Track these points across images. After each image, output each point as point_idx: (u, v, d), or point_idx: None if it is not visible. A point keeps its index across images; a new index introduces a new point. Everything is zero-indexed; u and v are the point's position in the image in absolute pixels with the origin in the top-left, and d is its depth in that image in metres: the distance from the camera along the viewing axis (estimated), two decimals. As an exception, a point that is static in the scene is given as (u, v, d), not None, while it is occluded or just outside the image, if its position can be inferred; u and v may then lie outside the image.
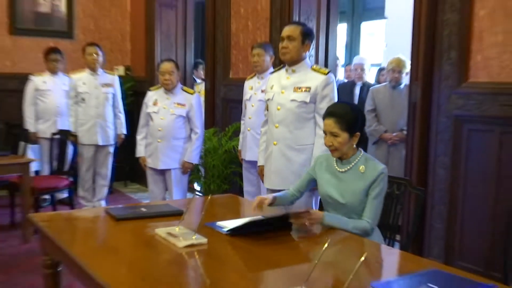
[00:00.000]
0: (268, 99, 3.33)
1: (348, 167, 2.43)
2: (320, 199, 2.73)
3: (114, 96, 5.29)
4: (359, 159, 2.43)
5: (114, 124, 5.29)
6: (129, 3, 6.97)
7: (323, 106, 3.06)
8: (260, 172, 3.48)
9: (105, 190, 5.41)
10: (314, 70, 3.20)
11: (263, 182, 3.46)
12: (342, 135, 2.37)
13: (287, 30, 3.17)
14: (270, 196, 2.58)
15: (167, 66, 4.18)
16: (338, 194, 2.43)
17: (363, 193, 2.38)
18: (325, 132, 2.43)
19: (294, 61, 3.19)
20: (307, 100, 3.12)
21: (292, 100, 3.15)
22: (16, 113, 5.98)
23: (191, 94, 4.26)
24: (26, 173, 4.25)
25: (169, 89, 4.21)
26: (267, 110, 3.36)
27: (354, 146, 2.43)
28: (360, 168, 2.40)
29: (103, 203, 5.37)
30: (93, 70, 5.15)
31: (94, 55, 5.12)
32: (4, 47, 6.23)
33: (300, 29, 3.15)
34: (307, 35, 3.17)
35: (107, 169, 5.36)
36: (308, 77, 3.16)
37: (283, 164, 3.21)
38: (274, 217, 2.30)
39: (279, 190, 3.22)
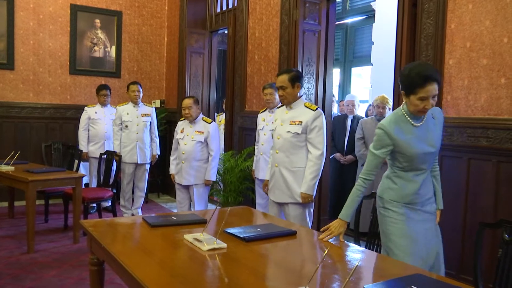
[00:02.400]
0: (272, 130, 3.35)
1: (424, 120, 2.24)
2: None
3: (151, 123, 5.30)
4: None
5: (150, 146, 5.29)
6: (166, 50, 7.04)
7: (312, 136, 3.09)
8: (265, 186, 3.46)
9: (141, 200, 5.37)
10: (306, 106, 3.18)
11: (267, 194, 3.44)
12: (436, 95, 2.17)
13: (278, 81, 3.16)
14: (344, 226, 2.27)
15: (186, 102, 4.17)
16: (429, 146, 2.24)
17: (440, 135, 2.27)
18: (424, 97, 2.12)
19: (291, 102, 3.19)
20: (299, 131, 3.11)
21: (288, 132, 3.15)
22: (72, 137, 6.04)
23: (209, 123, 4.22)
24: (78, 185, 4.23)
25: (190, 121, 4.19)
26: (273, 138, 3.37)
27: None
28: (433, 115, 2.26)
29: (139, 211, 5.32)
30: (135, 103, 5.17)
31: (136, 92, 5.15)
32: (65, 84, 6.29)
33: (288, 77, 3.12)
34: (295, 79, 3.13)
35: (144, 182, 5.33)
36: (302, 112, 3.15)
37: (282, 182, 3.19)
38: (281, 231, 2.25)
39: (280, 202, 3.25)
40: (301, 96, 3.21)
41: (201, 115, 4.27)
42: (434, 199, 2.39)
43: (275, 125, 3.28)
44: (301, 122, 3.10)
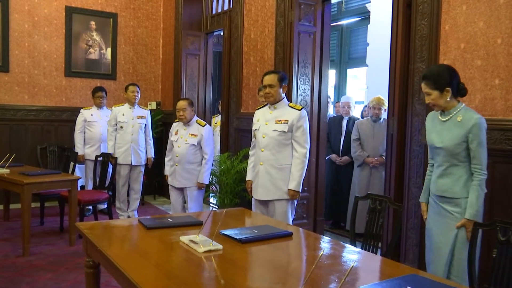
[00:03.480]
0: (255, 129, 3.42)
1: (449, 117, 2.40)
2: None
3: (146, 126, 5.29)
4: (459, 110, 2.38)
5: (145, 148, 5.27)
6: (161, 52, 7.03)
7: (298, 134, 3.24)
8: (248, 186, 3.49)
9: (137, 202, 5.35)
10: (291, 106, 3.32)
11: (251, 195, 3.47)
12: (433, 93, 2.37)
13: (267, 80, 3.28)
14: (423, 205, 2.64)
15: (181, 104, 4.15)
16: (438, 140, 2.43)
17: (460, 138, 2.33)
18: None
19: (276, 101, 3.31)
20: (286, 130, 3.23)
21: (274, 130, 3.26)
22: (68, 139, 6.03)
23: (203, 126, 4.19)
24: (74, 188, 4.21)
25: (184, 123, 4.19)
26: (255, 137, 3.43)
27: (448, 99, 2.37)
28: (458, 118, 2.36)
29: (135, 213, 5.31)
30: (132, 104, 5.16)
31: (135, 92, 5.15)
32: (61, 86, 6.28)
33: (278, 77, 3.28)
34: (283, 79, 3.30)
35: (139, 184, 5.31)
36: (286, 111, 3.28)
37: (268, 179, 3.27)
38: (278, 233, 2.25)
39: (265, 201, 3.32)
40: (284, 97, 3.34)
41: (195, 118, 4.26)
42: (463, 203, 2.37)
43: (258, 124, 3.37)
44: (287, 121, 3.23)
